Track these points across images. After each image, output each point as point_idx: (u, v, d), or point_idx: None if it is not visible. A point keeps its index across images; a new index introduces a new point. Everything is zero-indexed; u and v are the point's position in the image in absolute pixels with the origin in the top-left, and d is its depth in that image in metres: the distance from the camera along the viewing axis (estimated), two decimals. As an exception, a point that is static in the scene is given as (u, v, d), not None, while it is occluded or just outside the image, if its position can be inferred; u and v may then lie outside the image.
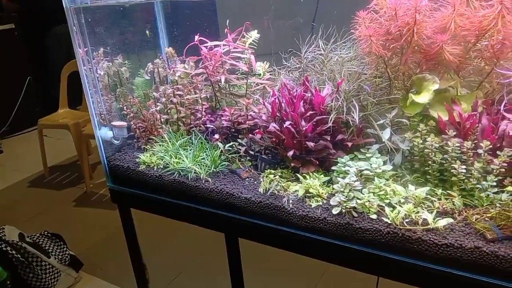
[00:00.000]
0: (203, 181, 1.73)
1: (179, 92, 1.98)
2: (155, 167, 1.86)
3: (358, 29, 1.49)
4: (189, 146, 1.87)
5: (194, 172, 1.75)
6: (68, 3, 1.83)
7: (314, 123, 1.57)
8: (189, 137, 1.91)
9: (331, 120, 1.55)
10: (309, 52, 1.77)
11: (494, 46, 1.41)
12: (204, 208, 1.76)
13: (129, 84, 2.23)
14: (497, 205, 1.26)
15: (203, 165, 1.77)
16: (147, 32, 2.31)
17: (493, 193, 1.29)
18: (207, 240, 2.35)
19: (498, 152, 1.30)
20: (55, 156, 4.92)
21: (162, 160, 1.86)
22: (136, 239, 2.17)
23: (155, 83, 2.16)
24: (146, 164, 1.89)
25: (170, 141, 1.90)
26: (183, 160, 1.80)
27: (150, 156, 1.90)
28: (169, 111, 2.00)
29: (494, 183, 1.29)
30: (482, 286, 1.24)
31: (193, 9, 2.18)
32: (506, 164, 1.28)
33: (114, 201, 2.08)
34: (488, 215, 1.27)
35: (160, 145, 1.93)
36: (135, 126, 2.01)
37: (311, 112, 1.58)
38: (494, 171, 1.29)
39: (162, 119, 2.00)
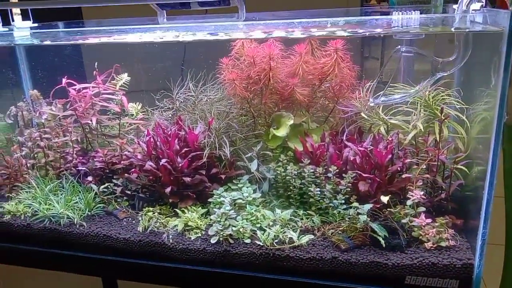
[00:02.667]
0: (78, 226, 1.68)
1: (46, 135, 1.91)
2: (22, 216, 1.74)
3: (223, 73, 1.67)
4: (60, 191, 1.81)
5: (67, 218, 1.69)
6: None
7: (189, 159, 1.67)
8: (59, 181, 1.84)
9: (205, 156, 1.67)
10: (180, 93, 1.89)
11: (334, 87, 1.71)
12: (79, 254, 1.69)
13: (-14, 129, 2.07)
14: (347, 219, 1.50)
15: (77, 209, 1.72)
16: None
17: (343, 209, 1.53)
18: (82, 286, 2.24)
19: (343, 175, 1.56)
20: None
21: (30, 207, 1.76)
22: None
23: (19, 126, 2.04)
24: (12, 213, 1.76)
25: (38, 187, 1.81)
26: (54, 206, 1.72)
27: (16, 204, 1.78)
28: (36, 155, 1.91)
29: (343, 201, 1.54)
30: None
31: (58, 52, 2.15)
32: (350, 184, 1.54)
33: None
34: (340, 228, 1.51)
35: (27, 192, 1.82)
36: (-4, 174, 1.87)
37: (186, 149, 1.69)
38: (342, 190, 1.54)
39: (28, 164, 1.90)
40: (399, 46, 1.42)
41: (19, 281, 2.40)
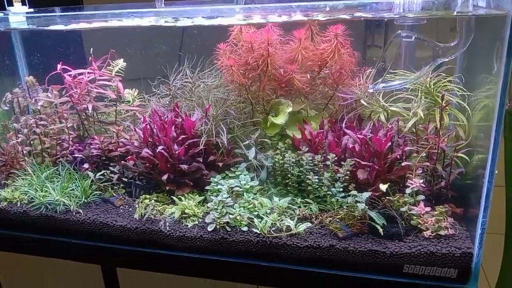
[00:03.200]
0: (74, 213, 1.67)
1: (42, 122, 1.89)
2: (19, 203, 1.73)
3: (220, 59, 1.64)
4: (57, 178, 1.79)
5: (63, 205, 1.68)
6: None
7: (186, 146, 1.65)
8: (55, 168, 1.83)
9: (202, 143, 1.65)
10: (177, 80, 1.87)
11: (333, 74, 1.68)
12: (76, 241, 1.69)
13: (-19, 116, 2.05)
14: (345, 207, 1.49)
15: (73, 197, 1.71)
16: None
17: (341, 197, 1.51)
18: (82, 275, 2.24)
19: (342, 163, 1.54)
20: None
21: (26, 194, 1.74)
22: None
23: (15, 113, 2.02)
24: (8, 200, 1.75)
25: (34, 174, 1.80)
26: (50, 193, 1.71)
27: (12, 191, 1.77)
28: (32, 142, 1.89)
29: (341, 189, 1.52)
30: (337, 279, 1.44)
31: (55, 38, 2.12)
32: (349, 172, 1.52)
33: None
34: (338, 216, 1.49)
35: (23, 179, 1.80)
36: (-8, 161, 1.85)
37: (183, 136, 1.67)
38: (340, 178, 1.52)
39: (24, 151, 1.88)
40: (400, 31, 1.39)
41: (17, 268, 2.40)
